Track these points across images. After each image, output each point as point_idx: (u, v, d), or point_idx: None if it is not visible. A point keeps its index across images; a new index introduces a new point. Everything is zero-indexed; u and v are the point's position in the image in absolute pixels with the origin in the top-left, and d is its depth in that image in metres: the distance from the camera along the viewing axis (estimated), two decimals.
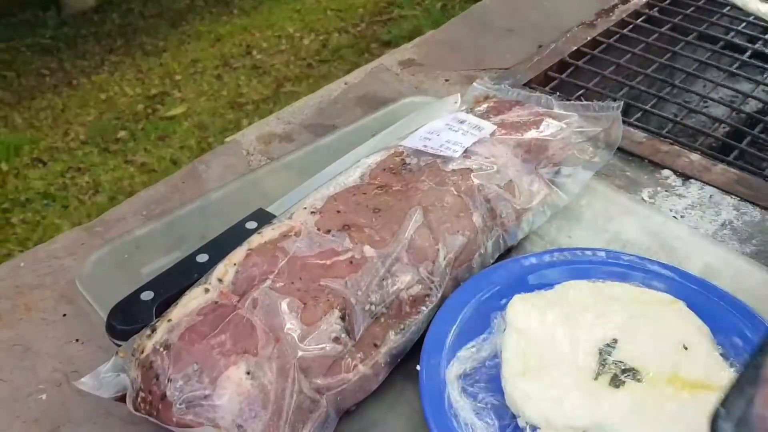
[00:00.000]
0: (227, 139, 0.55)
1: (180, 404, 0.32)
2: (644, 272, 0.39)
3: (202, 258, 0.41)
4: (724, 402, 0.23)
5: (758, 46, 0.64)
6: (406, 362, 0.37)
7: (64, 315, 0.42)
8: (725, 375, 0.33)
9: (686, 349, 0.34)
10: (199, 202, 0.48)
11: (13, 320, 0.42)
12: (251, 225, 0.43)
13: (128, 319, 0.38)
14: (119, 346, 0.36)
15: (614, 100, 0.58)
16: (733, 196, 0.48)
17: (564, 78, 0.61)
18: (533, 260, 0.41)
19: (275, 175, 0.50)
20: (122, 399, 0.34)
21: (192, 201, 0.48)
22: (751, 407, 0.23)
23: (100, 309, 0.40)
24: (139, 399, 0.33)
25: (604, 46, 0.65)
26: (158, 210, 0.48)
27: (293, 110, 0.58)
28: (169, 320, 0.35)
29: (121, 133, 2.11)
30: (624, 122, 0.55)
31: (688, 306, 0.37)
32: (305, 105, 0.59)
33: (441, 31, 0.71)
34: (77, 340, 0.40)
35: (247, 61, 2.53)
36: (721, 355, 0.35)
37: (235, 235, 0.41)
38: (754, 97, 0.60)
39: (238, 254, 0.38)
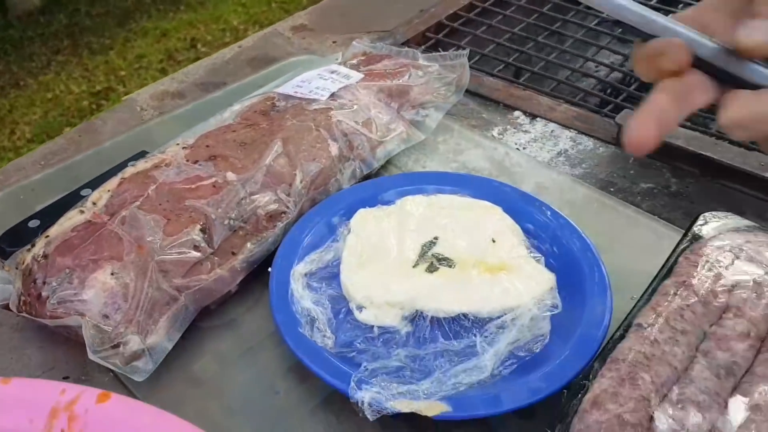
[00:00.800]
0: (123, 98, 0.59)
1: (53, 301, 0.37)
2: (474, 188, 0.45)
3: (86, 192, 0.46)
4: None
5: None
6: (267, 273, 0.42)
7: None
8: (522, 261, 0.39)
9: (494, 242, 0.40)
10: (93, 151, 0.53)
11: None
12: (133, 164, 0.48)
13: (16, 242, 0.42)
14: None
15: (482, 55, 0.64)
16: (572, 130, 0.55)
17: (440, 38, 0.67)
18: (381, 182, 0.47)
19: (164, 126, 0.55)
20: (8, 307, 0.39)
21: (86, 150, 0.53)
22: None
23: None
24: (20, 302, 0.38)
25: (479, 9, 0.71)
26: (55, 160, 0.53)
27: (187, 71, 0.63)
28: (47, 236, 0.40)
29: (66, 130, 2.12)
30: (486, 73, 0.62)
31: (505, 211, 0.43)
32: (199, 66, 0.64)
33: None
34: None
35: (191, 54, 2.55)
36: (527, 248, 0.41)
37: (117, 172, 0.46)
38: (602, 47, 0.66)
39: (112, 182, 0.43)
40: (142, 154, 0.49)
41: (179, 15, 2.95)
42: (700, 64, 0.27)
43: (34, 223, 0.44)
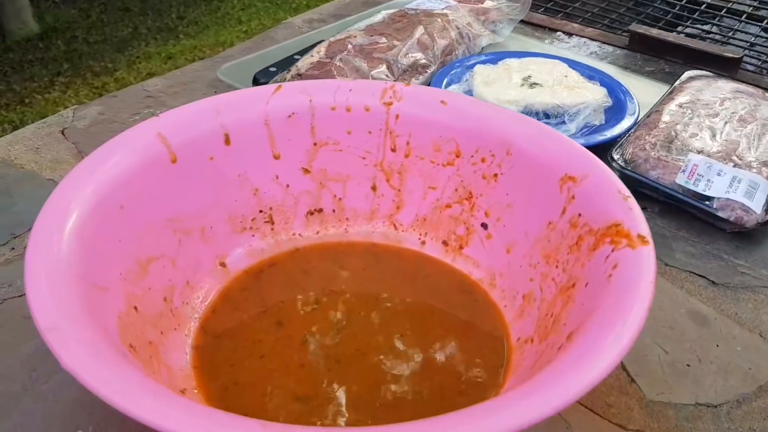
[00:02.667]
0: (282, 21, 0.85)
1: None
2: (545, 56, 0.72)
3: (297, 56, 0.71)
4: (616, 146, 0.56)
5: None
6: None
7: (215, 91, 0.70)
8: (586, 82, 0.65)
9: (566, 76, 0.66)
10: (279, 45, 0.78)
11: (186, 93, 0.70)
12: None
13: (265, 77, 0.67)
14: None
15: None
16: (597, 42, 0.82)
17: None
18: (486, 55, 0.73)
19: (321, 34, 0.80)
20: None
21: (272, 46, 0.78)
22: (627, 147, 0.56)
23: (237, 83, 0.69)
24: None
25: None
26: (245, 53, 0.77)
27: (320, 10, 0.89)
28: (297, 66, 0.64)
29: None
30: (537, 11, 0.89)
31: (568, 65, 0.69)
32: (329, 6, 0.90)
33: None
34: None
35: None
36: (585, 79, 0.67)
37: (312, 47, 0.71)
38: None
39: (323, 44, 0.68)
40: (321, 41, 0.74)
41: (180, 42, 3.13)
42: None
43: (272, 68, 0.68)
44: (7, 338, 0.43)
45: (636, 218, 0.37)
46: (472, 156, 0.47)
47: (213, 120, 0.46)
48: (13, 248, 0.50)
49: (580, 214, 0.40)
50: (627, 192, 0.39)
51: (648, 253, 0.35)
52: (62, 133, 0.62)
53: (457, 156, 0.48)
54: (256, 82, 0.67)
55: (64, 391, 0.40)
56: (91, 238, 0.37)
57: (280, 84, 0.48)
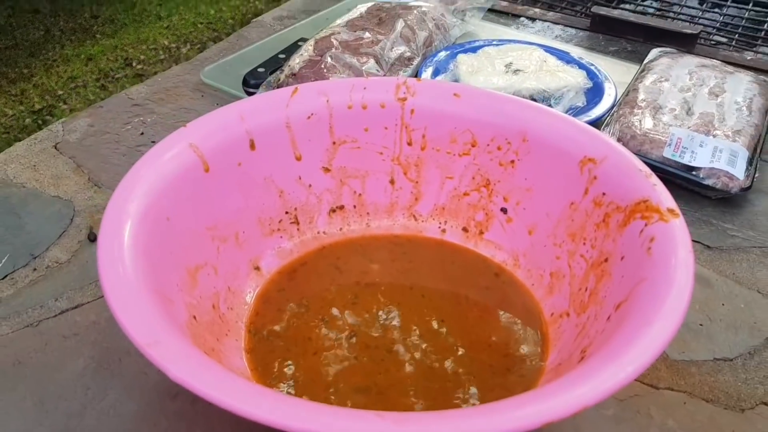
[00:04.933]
0: (254, 20, 0.85)
1: None
2: (521, 42, 0.75)
3: (282, 55, 0.71)
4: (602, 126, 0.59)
5: None
6: None
7: (202, 95, 0.70)
8: (565, 66, 0.69)
9: (545, 61, 0.70)
10: (261, 42, 0.78)
11: (172, 99, 0.69)
12: (301, 43, 0.74)
13: (255, 78, 0.67)
14: (250, 94, 0.66)
15: None
16: (559, 25, 0.86)
17: None
18: (463, 44, 0.75)
19: (296, 31, 0.81)
20: None
21: (248, 46, 0.78)
22: (614, 125, 0.59)
23: (224, 85, 0.69)
24: None
25: None
26: (223, 54, 0.77)
27: (288, 6, 0.89)
28: (290, 66, 0.65)
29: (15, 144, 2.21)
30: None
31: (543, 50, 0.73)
32: (295, 2, 0.90)
33: None
34: (217, 104, 0.69)
35: (128, 72, 2.67)
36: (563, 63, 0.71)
37: (295, 46, 0.72)
38: None
39: (312, 41, 0.69)
40: (303, 40, 0.75)
41: (99, 42, 3.02)
42: None
43: (261, 69, 0.69)
44: (52, 359, 0.43)
45: (662, 193, 0.40)
46: (488, 145, 0.50)
47: (239, 126, 0.47)
48: (35, 269, 0.49)
49: (604, 193, 0.43)
50: (648, 170, 0.42)
51: (681, 225, 0.38)
52: (55, 147, 0.61)
53: (473, 146, 0.50)
54: (246, 83, 0.67)
55: (122, 405, 0.41)
56: (150, 252, 0.37)
57: (296, 86, 0.49)
